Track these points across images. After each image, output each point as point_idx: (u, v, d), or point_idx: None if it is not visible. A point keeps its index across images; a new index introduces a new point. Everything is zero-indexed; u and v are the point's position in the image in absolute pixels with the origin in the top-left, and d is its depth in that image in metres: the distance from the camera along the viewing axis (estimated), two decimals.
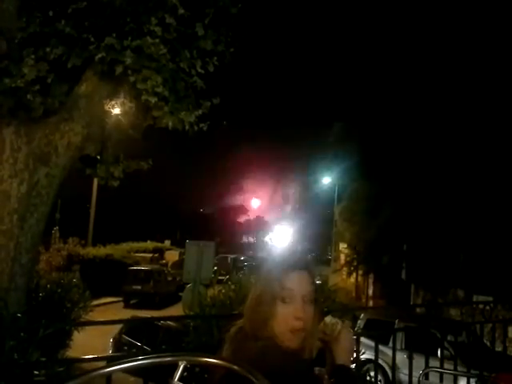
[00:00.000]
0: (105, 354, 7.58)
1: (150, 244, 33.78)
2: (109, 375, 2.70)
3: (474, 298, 13.74)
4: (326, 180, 34.35)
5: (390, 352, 5.47)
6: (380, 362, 4.86)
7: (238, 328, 1.48)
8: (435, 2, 17.16)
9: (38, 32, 5.26)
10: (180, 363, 1.24)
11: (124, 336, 10.30)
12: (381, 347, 4.62)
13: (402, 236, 17.98)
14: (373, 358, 4.77)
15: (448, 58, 16.02)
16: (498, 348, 6.92)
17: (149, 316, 9.70)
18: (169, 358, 1.18)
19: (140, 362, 1.15)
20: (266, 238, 70.21)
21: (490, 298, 12.38)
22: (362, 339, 4.54)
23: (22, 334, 4.19)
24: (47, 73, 5.18)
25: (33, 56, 5.07)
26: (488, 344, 6.80)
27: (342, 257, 28.79)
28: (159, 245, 35.74)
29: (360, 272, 23.28)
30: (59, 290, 9.08)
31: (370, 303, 21.68)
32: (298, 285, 1.43)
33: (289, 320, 1.39)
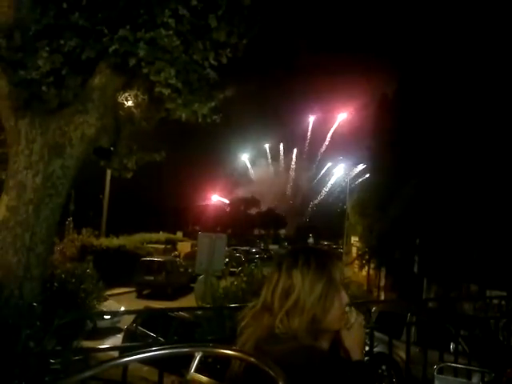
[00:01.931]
0: (119, 344, 7.67)
1: (162, 235, 33.97)
2: (126, 365, 2.73)
3: (488, 293, 13.60)
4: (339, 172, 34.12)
5: (401, 346, 5.45)
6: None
7: (260, 329, 1.38)
8: None
9: (52, 24, 5.28)
10: (196, 354, 1.24)
11: (137, 326, 10.39)
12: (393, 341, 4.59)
13: (415, 229, 17.83)
14: (384, 351, 4.75)
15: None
16: None
17: (162, 307, 9.77)
18: (186, 349, 1.18)
19: (157, 352, 1.16)
20: (278, 231, 70.27)
21: (504, 293, 12.24)
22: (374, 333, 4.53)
23: (37, 322, 4.26)
24: (61, 65, 5.21)
25: (47, 48, 5.09)
26: (502, 339, 6.74)
27: (354, 250, 28.69)
28: (171, 236, 35.94)
29: (372, 265, 23.17)
30: (73, 280, 9.19)
31: (382, 297, 21.56)
32: (342, 274, 1.50)
33: (343, 307, 1.44)
